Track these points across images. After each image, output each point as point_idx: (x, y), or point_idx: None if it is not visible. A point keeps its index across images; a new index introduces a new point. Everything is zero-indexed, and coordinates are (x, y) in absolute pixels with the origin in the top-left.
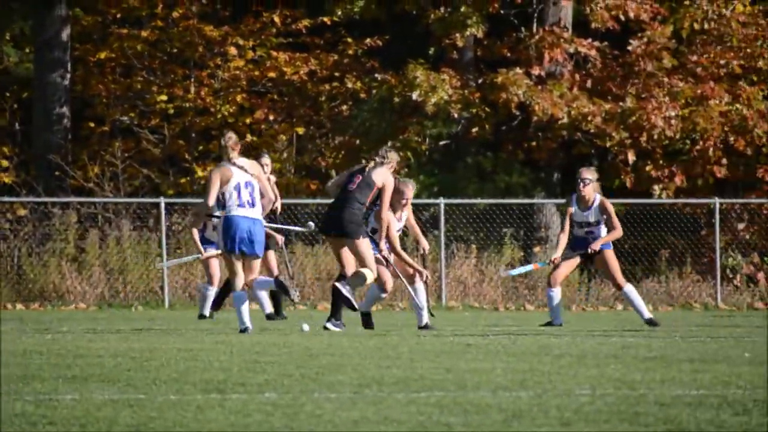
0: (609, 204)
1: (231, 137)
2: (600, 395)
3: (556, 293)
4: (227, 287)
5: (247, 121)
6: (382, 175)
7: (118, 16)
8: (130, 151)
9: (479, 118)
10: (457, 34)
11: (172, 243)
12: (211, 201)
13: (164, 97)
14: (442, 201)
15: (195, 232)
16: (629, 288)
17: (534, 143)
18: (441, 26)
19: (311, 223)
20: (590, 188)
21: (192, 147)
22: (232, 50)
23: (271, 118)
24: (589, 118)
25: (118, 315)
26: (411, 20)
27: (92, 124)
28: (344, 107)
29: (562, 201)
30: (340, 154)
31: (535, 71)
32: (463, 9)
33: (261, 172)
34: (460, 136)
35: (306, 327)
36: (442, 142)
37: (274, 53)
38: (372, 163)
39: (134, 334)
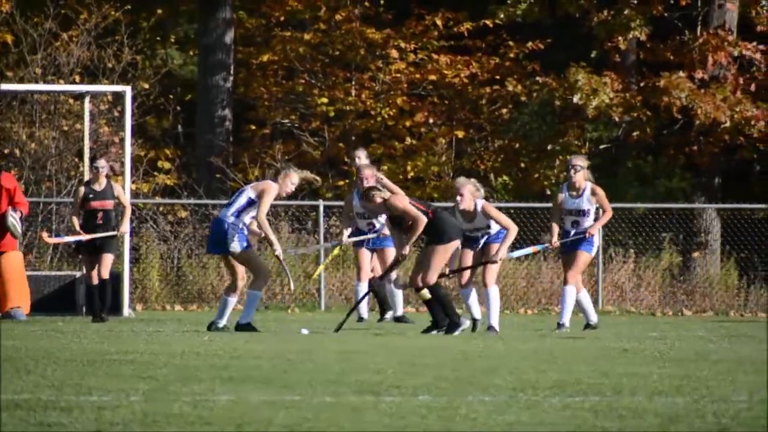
0: (600, 189)
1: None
2: (758, 401)
3: (568, 290)
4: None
5: (407, 123)
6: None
7: (282, 18)
8: (290, 153)
9: (640, 122)
10: (620, 37)
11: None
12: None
13: (325, 100)
14: None
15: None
16: (571, 288)
17: (695, 147)
18: (604, 29)
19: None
20: (581, 175)
21: (352, 150)
22: (394, 53)
23: (431, 120)
24: (753, 123)
25: (275, 316)
26: (573, 23)
27: (253, 127)
28: (504, 110)
29: (724, 206)
30: (499, 158)
31: (698, 75)
32: (626, 12)
33: None
34: (621, 140)
35: (305, 330)
36: (602, 146)
37: (436, 56)
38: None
39: (290, 335)
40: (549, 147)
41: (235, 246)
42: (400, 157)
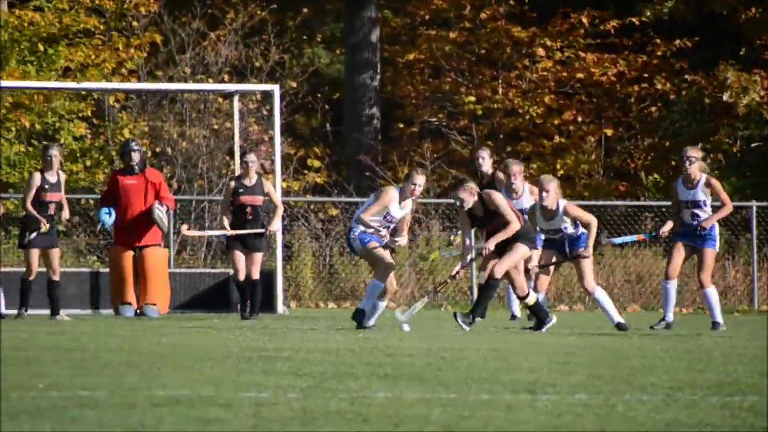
0: (715, 180)
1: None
2: None
3: (670, 286)
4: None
5: (555, 122)
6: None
7: (427, 17)
8: (438, 151)
9: None
10: None
11: None
12: None
13: (472, 99)
14: (754, 204)
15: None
16: (711, 290)
17: None
18: (752, 27)
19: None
20: (696, 167)
21: (500, 148)
22: (540, 51)
23: (579, 119)
24: None
25: (426, 315)
26: (721, 21)
27: (402, 125)
28: (653, 108)
29: None
30: (649, 156)
31: None
32: None
33: None
34: None
35: (406, 327)
36: (754, 144)
37: (582, 54)
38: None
39: (443, 333)
40: (699, 145)
41: (356, 245)
42: (549, 155)
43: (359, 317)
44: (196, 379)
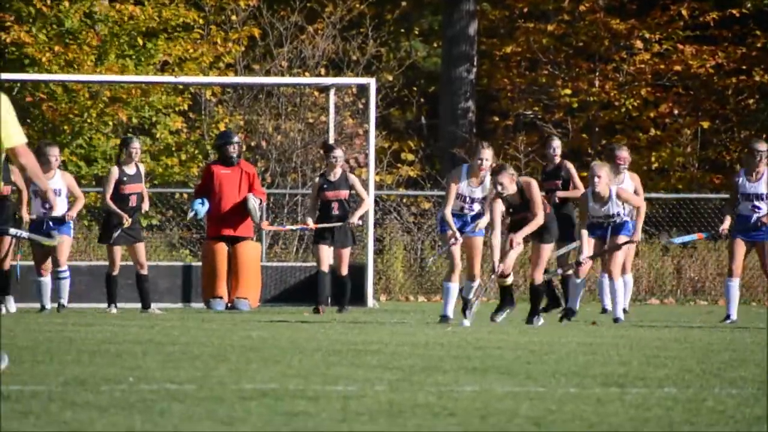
0: None
1: None
2: None
3: (734, 284)
4: None
5: (651, 114)
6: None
7: (525, 10)
8: (533, 145)
9: None
10: None
11: None
12: None
13: (568, 91)
14: None
15: None
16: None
17: None
18: None
19: (55, 234)
20: (765, 162)
21: (595, 141)
22: (638, 43)
23: (676, 112)
24: None
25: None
26: None
27: (496, 118)
28: (751, 101)
29: None
30: (745, 149)
31: None
32: None
33: None
34: None
35: (467, 322)
36: None
37: (681, 46)
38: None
39: (531, 327)
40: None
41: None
42: (644, 148)
43: (444, 321)
44: (285, 372)
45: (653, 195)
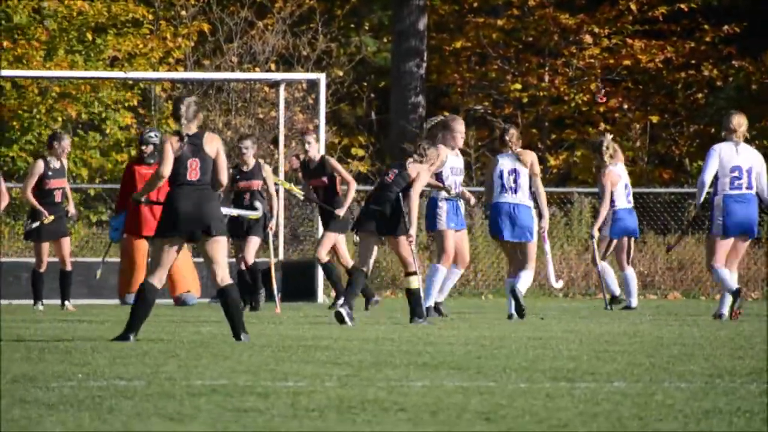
0: None
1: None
2: None
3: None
4: None
5: (601, 109)
6: (417, 168)
7: (475, 5)
8: (483, 139)
9: None
10: None
11: None
12: None
13: (518, 86)
14: None
15: None
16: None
17: None
18: None
19: (258, 204)
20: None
21: (545, 136)
22: (588, 38)
23: (626, 106)
24: None
25: (469, 303)
26: None
27: (447, 113)
28: (700, 95)
29: None
30: (694, 143)
31: None
32: None
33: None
34: None
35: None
36: None
37: (630, 41)
38: (410, 159)
39: (483, 322)
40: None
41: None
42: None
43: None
44: (234, 368)
45: None
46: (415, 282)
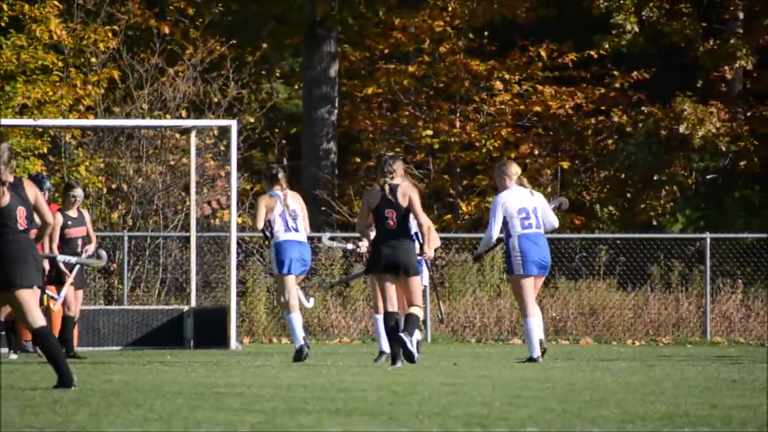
0: None
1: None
2: None
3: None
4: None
5: (512, 155)
6: (403, 190)
7: (386, 51)
8: None
9: (747, 152)
10: (726, 67)
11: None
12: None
13: (429, 132)
14: (708, 235)
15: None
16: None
17: None
18: (710, 58)
19: (103, 253)
20: None
21: (456, 182)
22: (498, 84)
23: (536, 152)
24: None
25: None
26: (679, 52)
27: (358, 159)
28: (610, 141)
29: None
30: (605, 189)
31: None
32: (732, 41)
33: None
34: (727, 170)
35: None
36: (709, 176)
37: (540, 87)
38: (387, 186)
39: (396, 369)
40: (655, 177)
41: None
42: None
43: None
44: (146, 416)
45: None
46: (419, 312)
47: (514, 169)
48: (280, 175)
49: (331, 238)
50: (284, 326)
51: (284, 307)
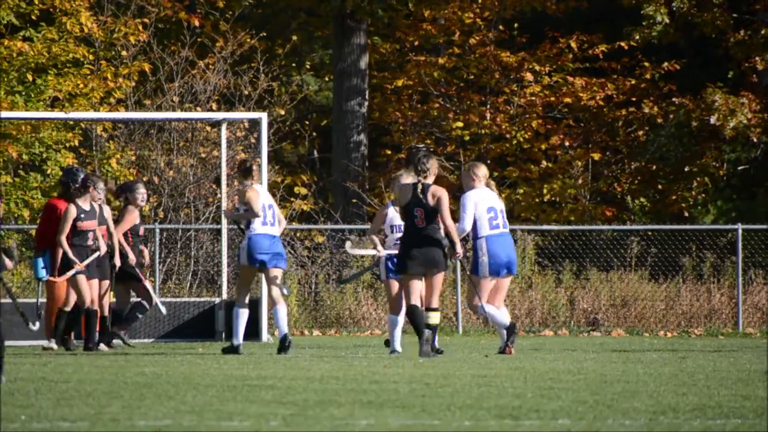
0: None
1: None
2: None
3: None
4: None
5: (543, 146)
6: (433, 191)
7: (416, 43)
8: None
9: None
10: (757, 57)
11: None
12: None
13: (460, 124)
14: (740, 226)
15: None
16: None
17: None
18: (741, 49)
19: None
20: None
21: None
22: (529, 76)
23: (567, 143)
24: None
25: (414, 341)
26: (709, 43)
27: (389, 151)
28: (641, 132)
29: None
30: (636, 180)
31: None
32: (763, 31)
33: None
34: (759, 161)
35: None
36: (740, 167)
37: (571, 78)
38: (420, 185)
39: (428, 360)
40: (686, 168)
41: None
42: (536, 180)
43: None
44: (178, 408)
45: (545, 227)
46: (436, 318)
47: (483, 171)
48: (255, 168)
49: (352, 245)
50: (316, 318)
51: (238, 299)
